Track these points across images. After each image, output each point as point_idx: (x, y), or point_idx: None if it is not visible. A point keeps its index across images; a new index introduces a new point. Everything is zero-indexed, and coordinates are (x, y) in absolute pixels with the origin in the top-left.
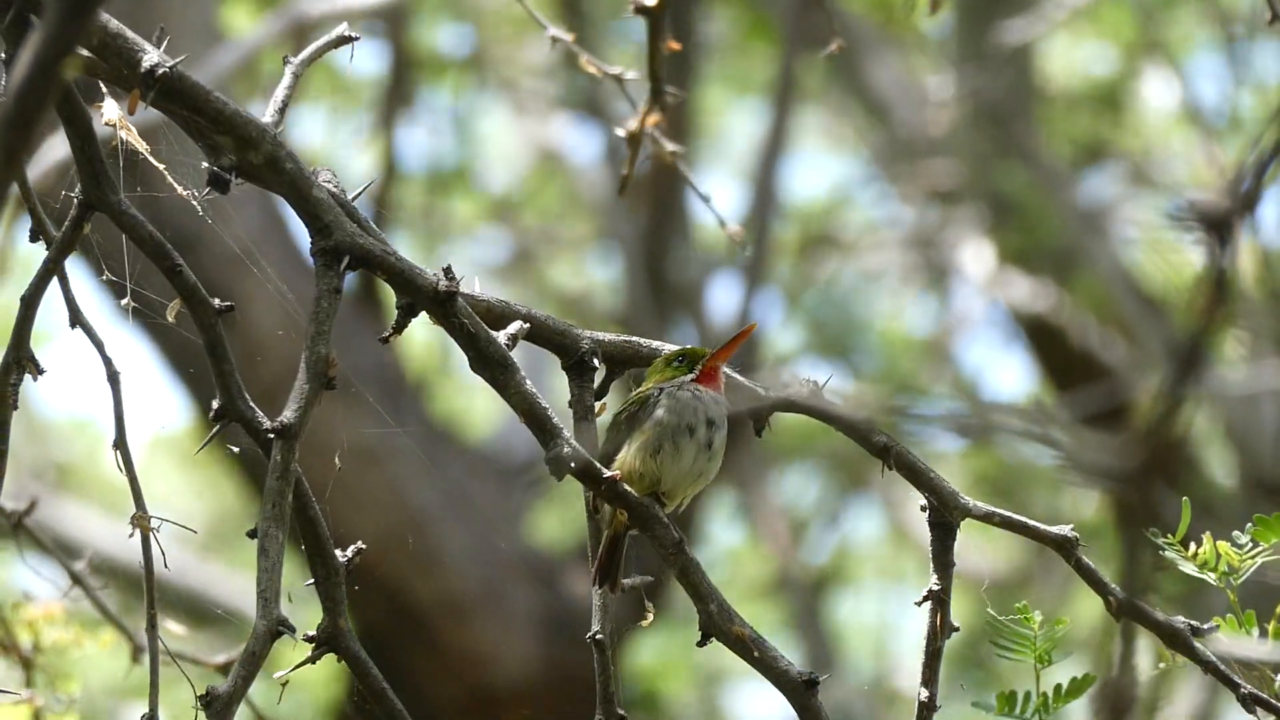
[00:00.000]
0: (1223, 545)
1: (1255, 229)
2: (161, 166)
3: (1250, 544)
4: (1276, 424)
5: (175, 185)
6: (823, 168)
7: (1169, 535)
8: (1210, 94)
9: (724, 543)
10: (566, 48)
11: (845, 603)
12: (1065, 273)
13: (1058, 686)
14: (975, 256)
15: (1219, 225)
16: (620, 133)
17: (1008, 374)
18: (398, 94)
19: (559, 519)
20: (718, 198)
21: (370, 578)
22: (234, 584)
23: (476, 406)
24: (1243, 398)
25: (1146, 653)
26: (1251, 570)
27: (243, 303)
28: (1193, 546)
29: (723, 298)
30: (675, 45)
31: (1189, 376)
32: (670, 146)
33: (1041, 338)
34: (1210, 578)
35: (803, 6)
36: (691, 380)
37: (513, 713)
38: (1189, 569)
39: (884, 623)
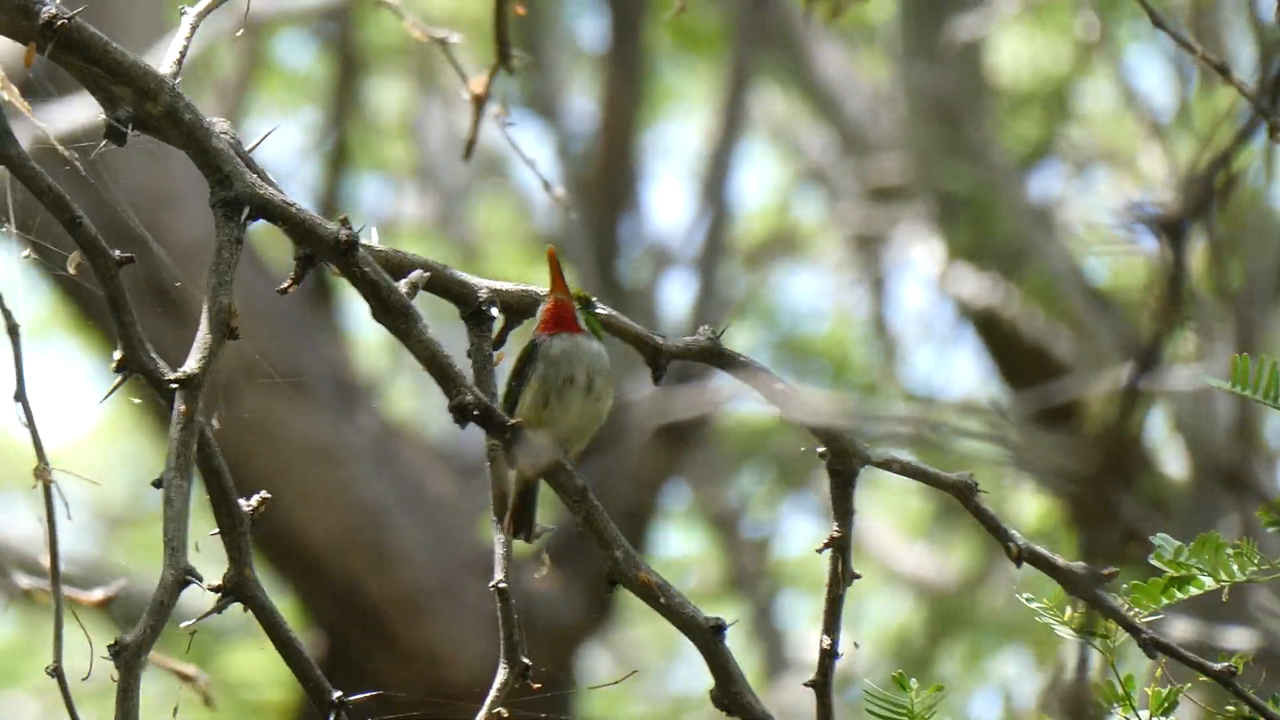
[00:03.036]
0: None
1: (1209, 231)
2: (42, 126)
3: (1128, 608)
4: (1228, 419)
5: (56, 144)
6: (770, 166)
7: (1045, 599)
8: (1157, 89)
9: (678, 547)
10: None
11: (797, 604)
12: (1014, 269)
13: None
14: (924, 252)
15: (1172, 228)
16: (464, 95)
17: (958, 370)
18: (345, 93)
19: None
20: (666, 199)
21: (327, 576)
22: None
23: (430, 406)
24: (1194, 393)
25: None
26: (1123, 640)
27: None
28: (1067, 610)
29: (675, 297)
30: (520, 10)
31: (1145, 377)
32: (503, 118)
33: (991, 333)
34: (1096, 645)
35: (752, 4)
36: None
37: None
38: (1066, 634)
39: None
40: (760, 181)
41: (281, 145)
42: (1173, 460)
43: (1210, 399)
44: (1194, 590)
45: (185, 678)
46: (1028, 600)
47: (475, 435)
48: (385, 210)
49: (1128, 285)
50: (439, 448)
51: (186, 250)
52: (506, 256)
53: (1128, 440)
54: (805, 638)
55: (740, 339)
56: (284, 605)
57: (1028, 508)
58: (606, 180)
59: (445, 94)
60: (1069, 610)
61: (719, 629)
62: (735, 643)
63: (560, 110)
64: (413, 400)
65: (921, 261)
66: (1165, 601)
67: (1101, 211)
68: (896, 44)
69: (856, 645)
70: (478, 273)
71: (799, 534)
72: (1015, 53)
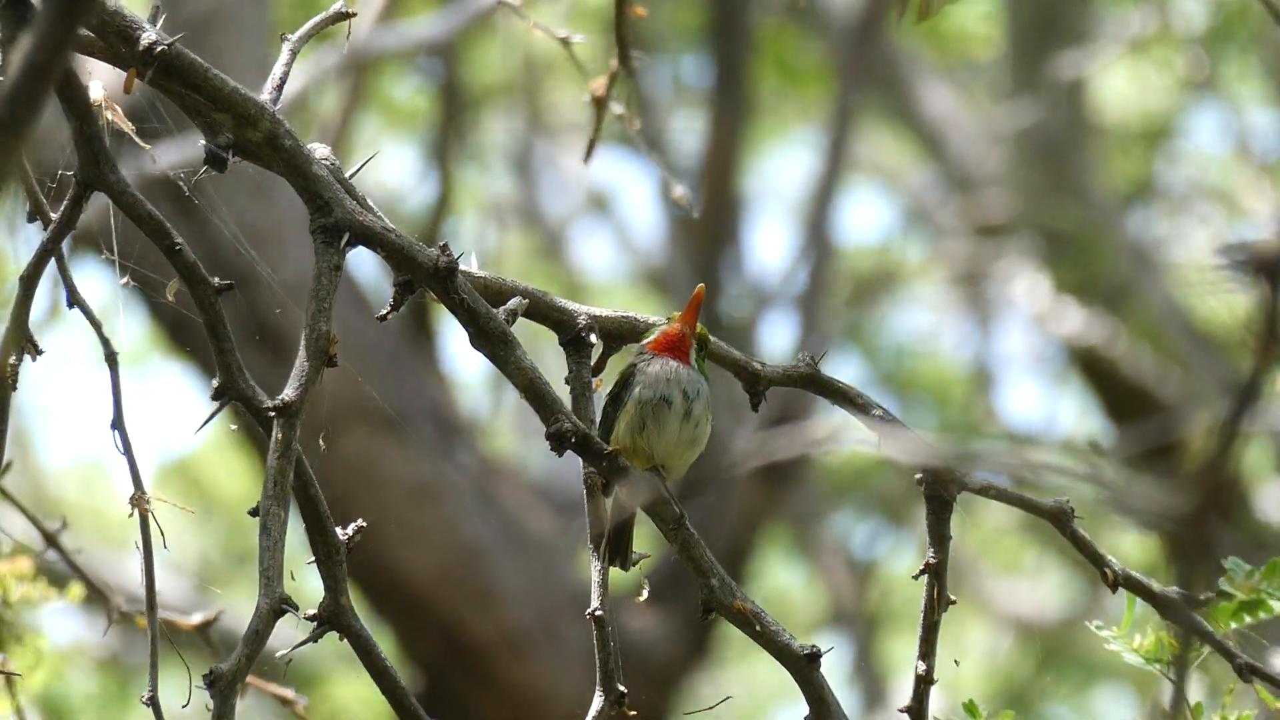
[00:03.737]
0: (1165, 635)
1: None
2: (147, 147)
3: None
4: None
5: (157, 161)
6: (874, 203)
7: (1114, 628)
8: (1264, 128)
9: (780, 581)
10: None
11: (896, 641)
12: (1119, 307)
13: None
14: (1029, 290)
15: (1270, 266)
16: (585, 98)
17: (1061, 409)
18: (451, 127)
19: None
20: (768, 238)
21: (427, 615)
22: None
23: (531, 445)
24: None
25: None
26: (1200, 658)
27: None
28: (1136, 638)
29: (776, 335)
30: (640, 11)
31: (1243, 416)
32: (629, 120)
33: (1094, 371)
34: (1156, 669)
35: (858, 40)
36: (648, 351)
37: None
38: (1135, 660)
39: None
40: (864, 219)
41: (384, 179)
42: (1271, 502)
43: None
44: (1264, 615)
45: (284, 701)
46: (1097, 628)
47: (574, 471)
48: (488, 244)
49: (1230, 324)
50: (539, 485)
51: (288, 288)
52: (609, 291)
53: (1225, 477)
54: (905, 676)
55: (842, 373)
56: (384, 644)
57: (1126, 546)
58: (709, 217)
59: (550, 130)
60: (1138, 638)
61: (814, 657)
62: (834, 679)
63: (664, 147)
64: (513, 438)
65: (1025, 299)
66: (1234, 625)
67: (1204, 250)
68: (1002, 81)
69: (957, 663)
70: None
71: (900, 569)
72: (1120, 90)
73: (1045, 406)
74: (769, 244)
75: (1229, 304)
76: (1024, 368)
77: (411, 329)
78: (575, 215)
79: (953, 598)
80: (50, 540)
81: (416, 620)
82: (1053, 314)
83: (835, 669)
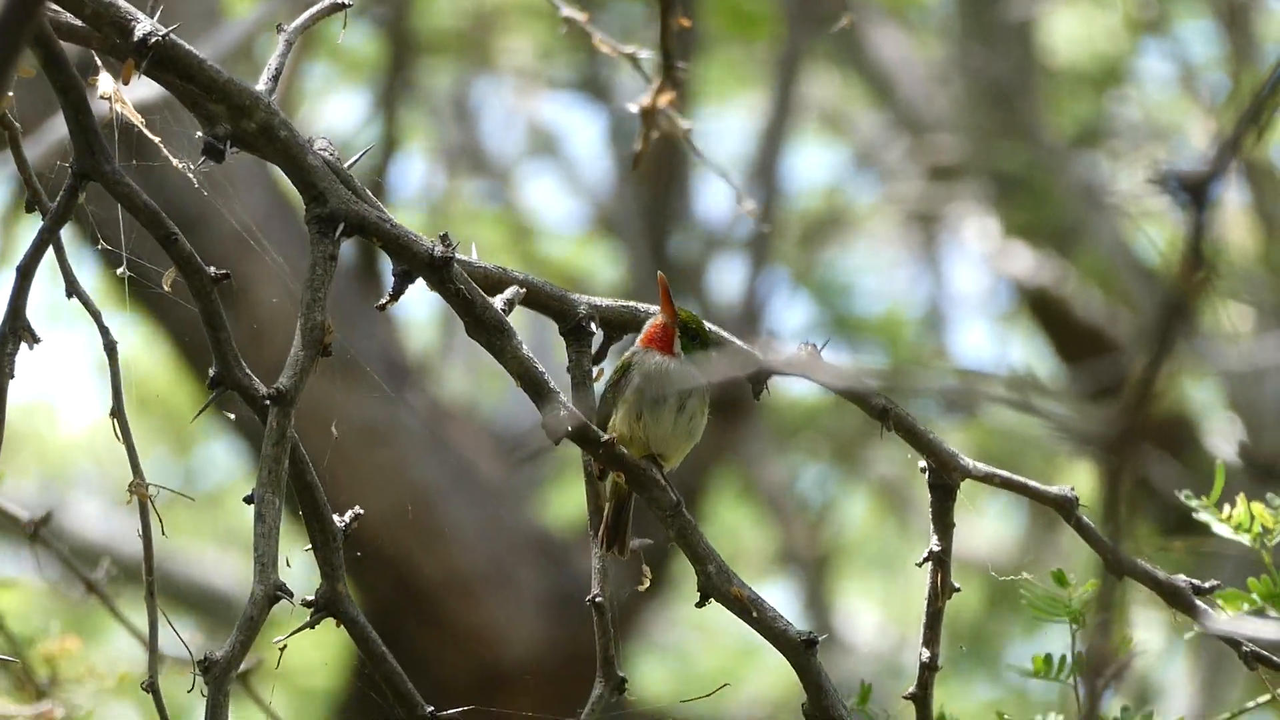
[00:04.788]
0: (1257, 507)
1: (1234, 186)
2: (157, 140)
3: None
4: (1279, 397)
5: (171, 158)
6: (823, 148)
7: (1204, 497)
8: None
9: (728, 522)
10: (579, 28)
11: (849, 581)
12: (1069, 248)
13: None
14: (979, 231)
15: (1196, 188)
16: (633, 109)
17: (1012, 350)
18: (398, 73)
19: (566, 496)
20: (716, 189)
21: (377, 555)
22: (225, 567)
23: (484, 387)
24: (1246, 372)
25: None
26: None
27: (246, 281)
28: (1226, 508)
29: (727, 278)
30: (685, 22)
31: (1169, 341)
32: (683, 124)
33: (1046, 312)
34: (1244, 539)
35: None
36: (640, 346)
37: (519, 689)
38: (1224, 531)
39: (887, 600)
40: (813, 162)
41: (332, 125)
42: (1224, 440)
43: (1261, 379)
44: None
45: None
46: (1027, 594)
47: (526, 412)
48: (436, 190)
49: (1162, 251)
50: (490, 428)
51: (233, 234)
52: (559, 235)
53: (1152, 404)
54: (854, 611)
55: (793, 318)
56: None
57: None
58: (658, 161)
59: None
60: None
61: (811, 643)
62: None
63: (612, 91)
64: (464, 381)
65: (975, 240)
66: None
67: (1140, 182)
68: (952, 24)
69: (962, 649)
70: (532, 252)
71: (851, 510)
72: (1069, 32)
73: (996, 347)
74: (717, 188)
75: (1161, 231)
76: (974, 309)
77: (359, 271)
78: (522, 158)
79: (957, 586)
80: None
81: (366, 562)
82: (1003, 255)
83: (787, 609)
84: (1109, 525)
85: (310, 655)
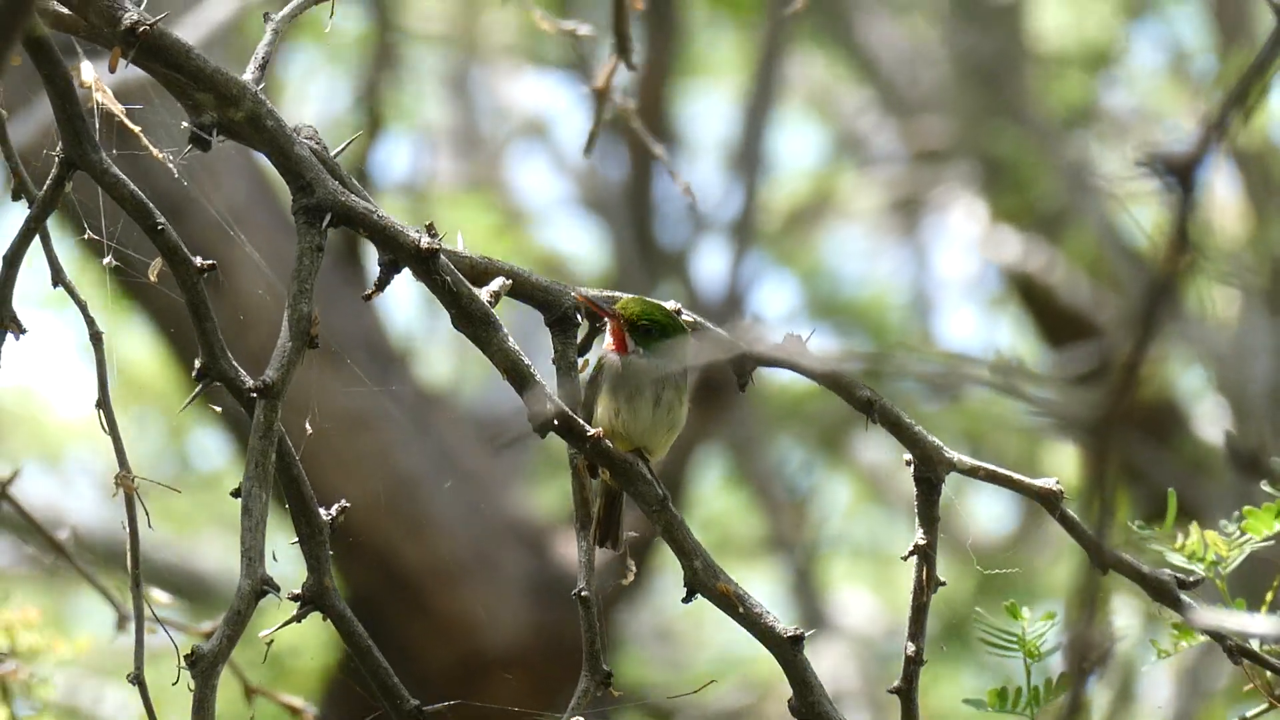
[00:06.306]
0: (1211, 535)
1: (1218, 168)
2: (137, 129)
3: (1238, 533)
4: (1267, 382)
5: (150, 147)
6: (809, 130)
7: (1156, 526)
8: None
9: (715, 507)
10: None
11: (836, 567)
12: (1056, 232)
13: (1048, 680)
14: (966, 215)
15: (1183, 171)
16: (586, 90)
17: (999, 334)
18: (383, 55)
19: (549, 485)
20: (700, 173)
21: (360, 543)
22: (212, 551)
23: (466, 373)
24: (1234, 356)
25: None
26: (1239, 560)
27: (230, 269)
28: (1179, 538)
29: (712, 260)
30: (638, 4)
31: (1154, 324)
32: (630, 104)
33: (1033, 297)
34: (1198, 568)
35: None
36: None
37: (502, 678)
38: (1177, 560)
39: (877, 585)
40: (798, 144)
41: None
42: (1211, 424)
43: (1249, 362)
44: None
45: (294, 711)
46: (981, 628)
47: (507, 399)
48: (421, 171)
49: (1148, 233)
50: (473, 414)
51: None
52: (546, 217)
53: (1135, 386)
54: (843, 597)
55: (778, 302)
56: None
57: (1063, 463)
58: (642, 142)
59: (484, 54)
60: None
61: (797, 639)
62: (774, 602)
63: (596, 72)
64: (448, 366)
65: (963, 224)
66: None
67: (1127, 165)
68: (940, 6)
69: (942, 648)
70: (518, 237)
71: (838, 495)
72: (1057, 15)
73: (983, 332)
74: (702, 171)
75: (1148, 214)
76: (961, 293)
77: (344, 256)
78: (510, 140)
79: (942, 580)
80: (59, 549)
81: (349, 549)
82: (990, 239)
83: (774, 594)
84: (1093, 515)
85: (296, 641)
